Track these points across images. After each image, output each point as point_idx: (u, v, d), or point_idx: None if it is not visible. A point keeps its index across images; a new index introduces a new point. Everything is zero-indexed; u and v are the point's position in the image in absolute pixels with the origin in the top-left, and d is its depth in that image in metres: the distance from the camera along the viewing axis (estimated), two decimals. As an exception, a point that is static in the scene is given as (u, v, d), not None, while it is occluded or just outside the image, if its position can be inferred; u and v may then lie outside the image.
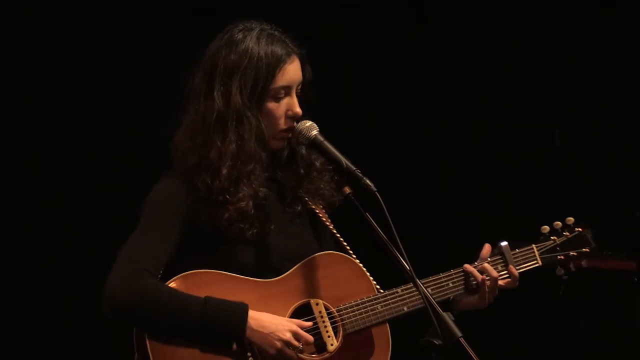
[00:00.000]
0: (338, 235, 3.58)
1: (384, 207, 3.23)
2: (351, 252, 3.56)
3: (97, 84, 5.30)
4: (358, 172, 3.35)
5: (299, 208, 3.55)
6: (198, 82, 3.48)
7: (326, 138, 3.44)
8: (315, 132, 3.44)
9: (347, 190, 3.38)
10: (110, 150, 5.32)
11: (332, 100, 5.58)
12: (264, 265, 3.45)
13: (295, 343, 3.38)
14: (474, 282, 3.63)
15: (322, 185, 3.55)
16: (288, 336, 3.36)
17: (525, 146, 5.87)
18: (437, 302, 3.29)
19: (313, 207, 3.58)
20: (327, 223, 3.59)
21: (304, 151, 3.52)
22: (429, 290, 3.55)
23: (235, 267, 3.41)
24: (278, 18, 3.56)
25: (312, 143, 3.44)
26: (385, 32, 5.81)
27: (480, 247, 3.74)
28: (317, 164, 3.54)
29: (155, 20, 5.38)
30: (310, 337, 3.41)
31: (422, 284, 3.34)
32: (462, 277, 3.64)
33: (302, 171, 3.55)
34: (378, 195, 3.27)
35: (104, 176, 5.30)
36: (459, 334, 3.15)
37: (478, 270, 3.65)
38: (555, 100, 5.85)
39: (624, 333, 5.56)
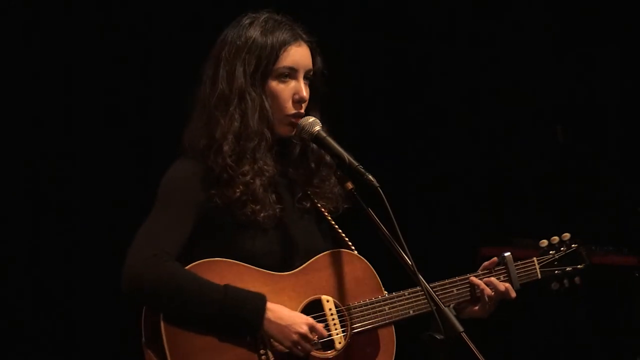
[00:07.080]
0: (344, 235, 3.60)
1: (387, 202, 3.23)
2: (356, 253, 3.57)
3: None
4: (360, 168, 3.35)
5: (309, 205, 3.58)
6: (207, 69, 3.53)
7: (329, 134, 3.45)
8: (317, 127, 3.46)
9: (350, 186, 3.39)
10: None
11: (334, 97, 5.58)
12: (274, 257, 3.46)
13: (312, 336, 3.38)
14: (478, 292, 3.65)
15: (331, 189, 3.58)
16: (305, 329, 3.36)
17: (526, 142, 5.89)
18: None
19: (320, 207, 3.60)
20: (333, 223, 3.60)
21: (315, 146, 3.54)
22: None
23: (246, 256, 3.41)
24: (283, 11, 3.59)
25: (315, 139, 3.46)
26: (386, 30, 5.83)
27: (481, 244, 3.75)
28: (328, 159, 3.56)
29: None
30: (325, 332, 3.42)
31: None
32: (467, 286, 3.66)
33: (312, 165, 3.58)
34: (380, 190, 3.27)
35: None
36: (461, 328, 3.16)
37: (484, 282, 3.66)
38: (555, 98, 5.88)
39: (624, 328, 5.57)
